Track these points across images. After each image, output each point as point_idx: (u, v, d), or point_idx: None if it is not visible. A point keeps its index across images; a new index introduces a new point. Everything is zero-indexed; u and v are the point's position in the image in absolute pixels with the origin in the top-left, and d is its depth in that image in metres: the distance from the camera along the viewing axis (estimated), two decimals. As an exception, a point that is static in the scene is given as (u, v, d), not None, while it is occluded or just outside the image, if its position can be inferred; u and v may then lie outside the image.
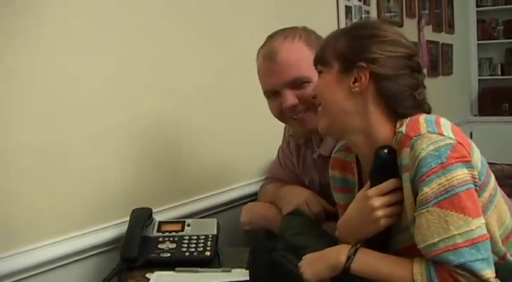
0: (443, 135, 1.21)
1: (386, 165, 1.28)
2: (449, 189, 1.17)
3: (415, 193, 1.21)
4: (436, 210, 1.17)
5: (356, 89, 1.30)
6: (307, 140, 1.80)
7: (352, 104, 1.32)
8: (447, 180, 1.17)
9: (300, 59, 1.62)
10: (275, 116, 1.72)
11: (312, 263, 1.35)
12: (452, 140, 1.21)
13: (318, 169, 1.77)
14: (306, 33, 1.69)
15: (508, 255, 1.30)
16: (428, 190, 1.18)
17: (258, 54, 1.72)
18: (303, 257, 1.38)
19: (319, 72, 1.40)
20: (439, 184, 1.17)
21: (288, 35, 1.68)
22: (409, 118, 1.28)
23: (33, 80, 1.51)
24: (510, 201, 1.72)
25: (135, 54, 1.82)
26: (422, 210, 1.19)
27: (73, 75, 1.61)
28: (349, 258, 1.28)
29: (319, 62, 1.39)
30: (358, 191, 1.40)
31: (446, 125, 1.26)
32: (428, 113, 1.33)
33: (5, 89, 1.45)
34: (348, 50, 1.33)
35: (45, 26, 1.54)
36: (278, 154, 2.00)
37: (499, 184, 1.35)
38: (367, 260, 1.27)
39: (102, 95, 1.70)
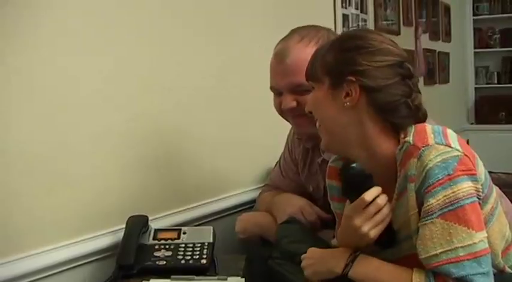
0: (451, 147, 1.20)
1: (355, 181, 1.28)
2: (455, 201, 1.16)
3: (420, 203, 1.21)
4: (440, 222, 1.17)
5: (348, 103, 1.28)
6: (314, 145, 1.77)
7: (347, 118, 1.30)
8: (453, 192, 1.17)
9: None
10: (276, 111, 1.72)
11: (313, 262, 1.34)
12: (460, 152, 1.20)
13: (323, 174, 1.76)
14: (325, 38, 1.64)
15: (506, 267, 1.30)
16: (433, 201, 1.17)
17: (275, 46, 1.71)
18: (308, 250, 1.37)
19: (312, 88, 1.38)
20: (445, 196, 1.17)
21: (306, 37, 1.66)
22: (414, 127, 1.27)
23: (33, 80, 1.51)
24: None
25: (135, 57, 1.82)
26: (427, 221, 1.18)
27: (72, 77, 1.61)
28: (347, 265, 1.27)
29: (310, 78, 1.37)
30: None
31: (453, 136, 1.25)
32: (425, 118, 1.32)
33: (5, 89, 1.45)
34: (335, 64, 1.30)
35: (43, 26, 1.54)
36: (280, 162, 1.99)
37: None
38: (366, 268, 1.26)
39: (100, 99, 1.70)
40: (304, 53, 1.57)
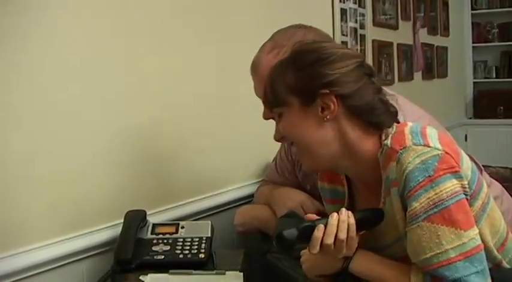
0: (430, 147, 1.18)
1: (292, 244, 1.25)
2: (439, 203, 1.15)
3: (405, 207, 1.19)
4: (426, 225, 1.15)
5: (328, 117, 1.25)
6: None
7: (327, 132, 1.27)
8: (436, 194, 1.15)
9: None
10: None
11: (312, 257, 1.32)
12: (439, 150, 1.18)
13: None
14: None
15: (504, 262, 1.28)
16: (417, 205, 1.16)
17: None
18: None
19: (279, 115, 1.32)
20: (428, 198, 1.15)
21: (276, 46, 1.63)
22: (394, 127, 1.26)
23: (32, 80, 1.51)
24: None
25: (132, 56, 1.82)
26: (413, 226, 1.17)
27: (67, 76, 1.61)
28: (347, 259, 1.27)
29: (275, 104, 1.31)
30: (348, 202, 1.39)
31: (432, 134, 1.23)
32: (395, 111, 1.31)
33: (4, 89, 1.46)
34: (301, 82, 1.26)
35: (44, 26, 1.55)
36: (276, 159, 1.99)
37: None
38: (366, 262, 1.26)
39: (96, 97, 1.70)
40: (272, 63, 1.52)
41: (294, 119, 1.28)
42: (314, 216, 1.28)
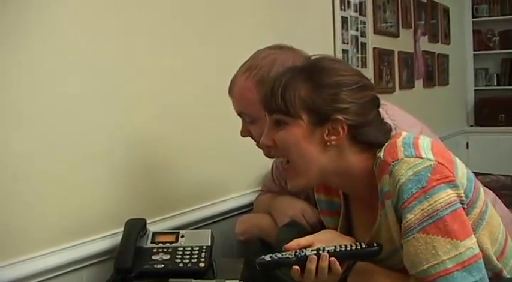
0: (422, 158, 1.18)
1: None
2: (433, 214, 1.15)
3: (400, 220, 1.19)
4: (422, 237, 1.15)
5: (333, 142, 1.25)
6: None
7: (327, 156, 1.26)
8: (430, 205, 1.15)
9: (247, 101, 1.64)
10: None
11: None
12: (432, 161, 1.18)
13: None
14: (267, 68, 1.63)
15: (505, 272, 1.28)
16: (411, 217, 1.16)
17: None
18: None
19: (282, 123, 1.28)
20: (422, 210, 1.15)
21: (250, 68, 1.66)
22: (388, 141, 1.26)
23: (33, 81, 1.51)
24: (510, 213, 1.71)
25: (132, 57, 1.82)
26: (409, 238, 1.17)
27: (67, 76, 1.61)
28: (347, 270, 1.26)
29: (281, 111, 1.27)
30: (344, 213, 1.39)
31: (425, 145, 1.23)
32: (391, 129, 1.31)
33: (5, 89, 1.45)
34: (319, 102, 1.24)
35: (44, 25, 1.54)
36: (272, 169, 1.99)
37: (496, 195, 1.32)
38: (364, 273, 1.26)
39: (96, 97, 1.69)
40: (243, 87, 1.65)
41: (299, 135, 1.26)
42: (296, 246, 1.27)
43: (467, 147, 5.64)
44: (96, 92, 1.69)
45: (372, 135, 1.27)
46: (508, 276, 1.28)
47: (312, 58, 1.35)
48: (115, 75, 1.75)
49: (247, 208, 2.16)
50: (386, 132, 1.30)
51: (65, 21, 1.60)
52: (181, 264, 1.59)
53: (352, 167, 1.27)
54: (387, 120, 1.36)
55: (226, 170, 2.22)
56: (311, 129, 1.25)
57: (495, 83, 6.21)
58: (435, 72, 5.09)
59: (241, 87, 1.66)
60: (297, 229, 1.63)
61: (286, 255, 1.25)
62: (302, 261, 1.23)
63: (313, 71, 1.28)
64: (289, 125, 1.27)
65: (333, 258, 1.22)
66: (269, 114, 1.31)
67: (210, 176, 2.14)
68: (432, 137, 1.64)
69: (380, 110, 1.33)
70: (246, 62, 1.70)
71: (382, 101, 1.61)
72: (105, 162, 1.72)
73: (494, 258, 1.26)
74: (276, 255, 1.25)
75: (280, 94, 1.27)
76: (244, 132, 1.70)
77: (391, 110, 1.58)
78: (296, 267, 1.23)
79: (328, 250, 1.23)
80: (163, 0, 1.96)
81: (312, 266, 1.22)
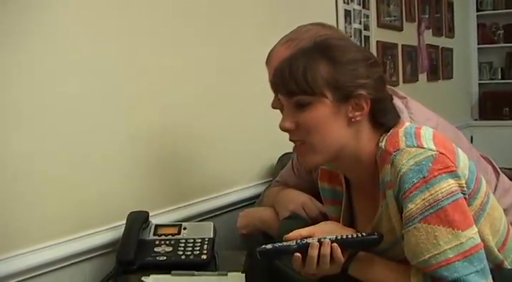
0: (423, 148, 1.18)
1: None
2: (434, 203, 1.14)
3: (401, 210, 1.19)
4: (423, 226, 1.15)
5: (358, 118, 1.24)
6: None
7: (349, 133, 1.25)
8: (431, 194, 1.15)
9: None
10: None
11: None
12: (433, 151, 1.18)
13: None
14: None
15: (506, 263, 1.28)
16: (412, 207, 1.15)
17: None
18: None
19: (306, 104, 1.25)
20: (423, 199, 1.15)
21: (291, 39, 1.65)
22: (391, 130, 1.26)
23: (34, 80, 1.51)
24: None
25: (134, 57, 1.82)
26: (410, 228, 1.17)
27: (68, 76, 1.61)
28: (347, 260, 1.26)
29: (305, 93, 1.24)
30: (346, 203, 1.39)
31: (426, 135, 1.22)
32: (398, 115, 1.33)
33: (5, 89, 1.46)
34: (341, 79, 1.23)
35: (44, 25, 1.54)
36: (292, 160, 1.97)
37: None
38: (365, 265, 1.26)
39: (97, 97, 1.70)
40: (282, 55, 1.55)
41: (326, 113, 1.24)
42: (298, 236, 1.27)
43: (472, 141, 5.61)
44: (97, 92, 1.69)
45: (389, 113, 1.29)
46: (510, 267, 1.28)
47: (317, 39, 1.34)
48: (115, 75, 1.75)
49: (251, 201, 2.16)
50: (396, 115, 1.32)
51: (65, 21, 1.61)
52: (183, 257, 1.59)
53: (363, 151, 1.27)
54: (404, 113, 1.35)
55: (230, 163, 2.22)
56: (337, 106, 1.24)
57: (499, 77, 6.19)
58: (439, 66, 5.07)
59: (281, 57, 1.60)
60: (298, 222, 1.63)
61: (288, 244, 1.25)
62: (304, 248, 1.23)
63: (326, 50, 1.27)
64: (313, 104, 1.24)
65: (335, 244, 1.22)
66: (288, 97, 1.27)
67: (212, 169, 2.15)
68: (451, 130, 1.64)
69: (398, 102, 1.34)
70: (287, 35, 1.69)
71: (402, 94, 1.62)
72: (108, 157, 1.73)
73: (496, 250, 1.26)
74: (277, 244, 1.25)
75: (301, 75, 1.24)
76: (276, 104, 1.65)
77: (411, 103, 1.58)
78: (298, 254, 1.23)
79: (330, 238, 1.24)
80: (165, 0, 1.96)
81: (313, 252, 1.22)
